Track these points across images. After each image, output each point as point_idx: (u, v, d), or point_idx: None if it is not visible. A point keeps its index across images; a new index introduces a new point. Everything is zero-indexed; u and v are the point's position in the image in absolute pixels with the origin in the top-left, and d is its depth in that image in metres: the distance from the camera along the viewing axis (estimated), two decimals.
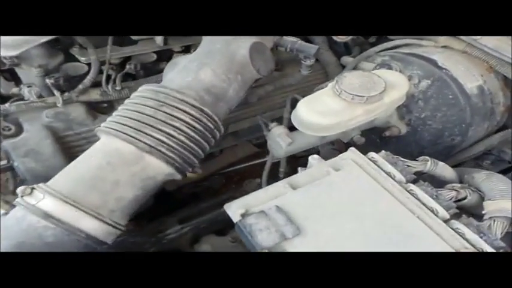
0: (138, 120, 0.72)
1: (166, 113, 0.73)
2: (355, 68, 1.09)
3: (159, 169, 0.73)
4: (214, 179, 1.36)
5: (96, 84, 0.97)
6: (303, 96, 1.05)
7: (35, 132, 0.89)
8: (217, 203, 1.20)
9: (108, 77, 0.98)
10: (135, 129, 0.71)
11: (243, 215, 0.58)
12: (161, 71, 1.10)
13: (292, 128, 0.88)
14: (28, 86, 0.92)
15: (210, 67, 0.80)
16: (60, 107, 0.92)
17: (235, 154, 1.38)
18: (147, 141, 0.71)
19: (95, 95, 0.97)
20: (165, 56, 1.10)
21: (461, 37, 0.96)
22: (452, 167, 1.02)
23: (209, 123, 0.77)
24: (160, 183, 0.76)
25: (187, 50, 1.11)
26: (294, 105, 1.06)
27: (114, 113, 0.78)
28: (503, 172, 1.00)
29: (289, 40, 0.95)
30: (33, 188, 0.68)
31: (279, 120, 1.14)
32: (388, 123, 0.97)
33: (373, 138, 1.05)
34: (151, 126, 0.72)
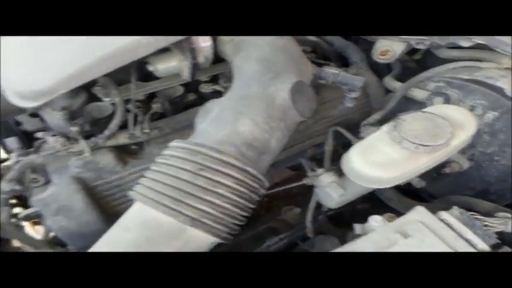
0: (177, 188, 0.64)
1: (206, 177, 0.65)
2: (407, 98, 0.98)
3: (202, 241, 0.66)
4: None
5: (122, 126, 0.90)
6: (345, 126, 0.97)
7: (64, 186, 0.83)
8: (256, 236, 1.13)
9: (135, 117, 0.91)
10: (174, 199, 0.64)
11: None
12: (189, 104, 1.02)
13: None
14: (53, 135, 0.86)
15: (249, 117, 0.71)
16: (89, 156, 0.86)
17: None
18: (189, 214, 0.63)
19: (122, 139, 0.90)
20: (192, 87, 1.02)
21: None
22: None
23: (254, 184, 0.69)
24: None
25: (214, 79, 1.02)
26: (335, 137, 0.97)
27: (147, 175, 0.70)
28: None
29: (331, 72, 0.85)
30: None
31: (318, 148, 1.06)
32: (447, 158, 0.87)
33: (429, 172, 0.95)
34: (192, 194, 0.64)
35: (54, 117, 0.86)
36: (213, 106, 0.76)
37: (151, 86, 0.92)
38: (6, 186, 0.81)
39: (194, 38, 0.79)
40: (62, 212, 0.82)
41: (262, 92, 0.73)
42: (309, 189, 1.00)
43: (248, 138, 0.70)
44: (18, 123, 1.12)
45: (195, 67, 0.85)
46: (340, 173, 0.89)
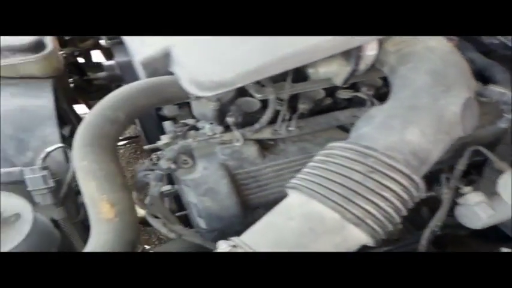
0: (346, 187, 0.66)
1: (376, 180, 0.66)
2: None
3: (358, 240, 0.68)
4: None
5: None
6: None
7: (213, 170, 0.89)
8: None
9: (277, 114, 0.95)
10: (343, 196, 0.66)
11: None
12: (325, 108, 1.05)
13: None
14: (210, 123, 0.93)
15: (418, 127, 0.72)
16: (236, 146, 0.91)
17: None
18: (355, 212, 0.65)
19: (266, 134, 0.95)
20: (328, 91, 1.04)
21: None
22: None
23: (415, 192, 0.69)
24: None
25: (353, 86, 1.03)
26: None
27: (307, 170, 0.73)
28: None
29: (497, 91, 0.83)
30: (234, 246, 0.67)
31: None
32: None
33: None
34: (360, 195, 0.66)
35: (206, 107, 0.93)
36: (377, 112, 0.77)
37: (300, 86, 0.95)
38: (164, 164, 0.88)
39: (364, 45, 0.81)
40: (208, 193, 0.88)
41: (432, 104, 0.73)
42: None
43: (415, 148, 0.71)
44: (157, 109, 1.22)
45: (352, 74, 0.87)
46: None
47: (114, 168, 0.84)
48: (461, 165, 0.95)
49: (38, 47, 1.16)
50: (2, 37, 1.11)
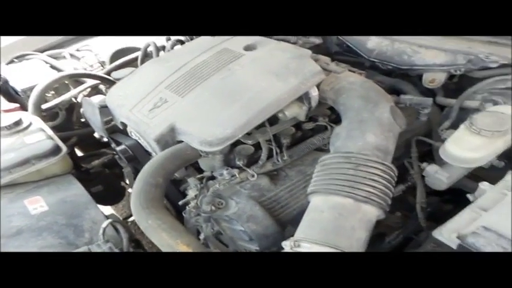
0: (347, 180, 0.98)
1: (363, 170, 0.99)
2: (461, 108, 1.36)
3: (372, 213, 0.97)
4: None
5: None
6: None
7: (245, 202, 1.16)
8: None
9: (271, 150, 1.27)
10: (349, 186, 0.96)
11: (459, 238, 0.80)
12: (299, 139, 1.39)
13: None
14: (226, 169, 1.21)
15: (371, 131, 1.08)
16: (253, 180, 1.20)
17: None
18: (362, 194, 0.96)
19: (269, 167, 1.26)
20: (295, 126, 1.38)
21: None
22: None
23: (391, 173, 1.03)
24: (373, 225, 0.99)
25: (311, 118, 1.39)
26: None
27: (316, 179, 1.04)
28: None
29: (407, 98, 1.28)
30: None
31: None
32: None
33: None
34: (359, 182, 0.97)
35: (214, 160, 1.25)
36: (340, 130, 1.14)
37: (276, 128, 1.30)
38: (206, 208, 1.14)
39: (309, 90, 1.20)
40: (251, 219, 1.13)
41: (372, 115, 1.11)
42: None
43: (376, 145, 1.06)
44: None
45: (309, 110, 1.25)
46: None
47: (172, 220, 1.07)
48: (413, 151, 1.33)
49: (57, 151, 1.36)
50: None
